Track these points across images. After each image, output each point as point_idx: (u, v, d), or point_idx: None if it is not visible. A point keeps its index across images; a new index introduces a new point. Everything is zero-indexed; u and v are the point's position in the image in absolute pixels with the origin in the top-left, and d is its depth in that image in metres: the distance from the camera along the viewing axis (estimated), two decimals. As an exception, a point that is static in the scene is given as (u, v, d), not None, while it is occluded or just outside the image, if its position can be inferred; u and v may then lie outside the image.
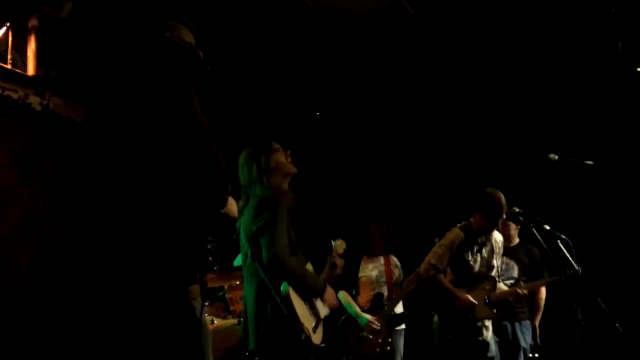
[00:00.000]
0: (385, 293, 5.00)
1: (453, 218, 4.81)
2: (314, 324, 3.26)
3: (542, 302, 5.23)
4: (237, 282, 5.07)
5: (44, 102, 3.77)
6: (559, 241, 4.54)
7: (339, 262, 3.56)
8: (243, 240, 3.29)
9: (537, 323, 5.25)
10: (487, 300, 4.60)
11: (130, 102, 2.58)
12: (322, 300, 3.36)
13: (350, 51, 5.80)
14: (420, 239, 5.37)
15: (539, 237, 4.75)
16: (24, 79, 3.72)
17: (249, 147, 3.42)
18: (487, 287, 4.64)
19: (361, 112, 6.75)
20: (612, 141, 6.03)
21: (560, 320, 5.66)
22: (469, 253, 4.63)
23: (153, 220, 2.42)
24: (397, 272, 5.10)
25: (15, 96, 3.65)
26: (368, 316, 4.85)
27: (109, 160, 2.55)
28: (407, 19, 5.24)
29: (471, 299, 4.53)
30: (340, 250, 3.60)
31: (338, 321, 4.88)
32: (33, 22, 3.80)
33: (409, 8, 5.08)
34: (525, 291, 4.74)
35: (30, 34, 3.80)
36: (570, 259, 4.49)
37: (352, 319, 4.89)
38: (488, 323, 4.67)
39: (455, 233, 4.65)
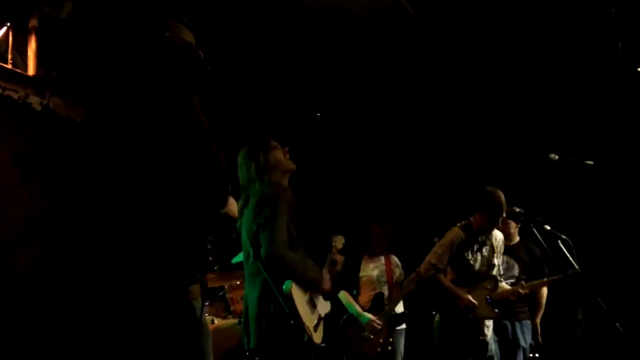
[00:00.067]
0: (386, 293, 4.99)
1: (453, 217, 4.81)
2: (315, 323, 3.26)
3: (543, 301, 5.23)
4: (238, 282, 5.07)
5: (44, 102, 3.78)
6: (559, 241, 4.54)
7: (339, 258, 3.57)
8: (245, 240, 3.29)
9: (538, 321, 5.25)
10: (489, 300, 4.60)
11: (130, 102, 2.58)
12: (321, 288, 3.37)
13: (350, 51, 5.80)
14: (420, 239, 5.37)
15: (540, 237, 4.75)
16: (24, 79, 3.73)
17: (247, 146, 3.43)
18: (489, 287, 4.63)
19: (362, 111, 6.75)
20: (613, 141, 6.03)
21: (561, 320, 5.66)
22: (469, 252, 4.63)
23: (153, 221, 2.42)
24: (397, 272, 5.10)
25: (15, 96, 3.65)
26: (369, 315, 4.85)
27: (108, 161, 2.55)
28: (407, 19, 5.24)
29: (472, 299, 4.53)
30: (339, 246, 3.61)
31: (339, 321, 4.88)
32: (33, 22, 3.80)
33: (409, 8, 5.08)
34: (526, 290, 4.74)
35: (31, 34, 3.80)
36: (571, 258, 4.49)
37: (353, 319, 4.89)
38: (489, 322, 4.67)
39: (455, 232, 4.65)
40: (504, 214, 4.64)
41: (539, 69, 5.92)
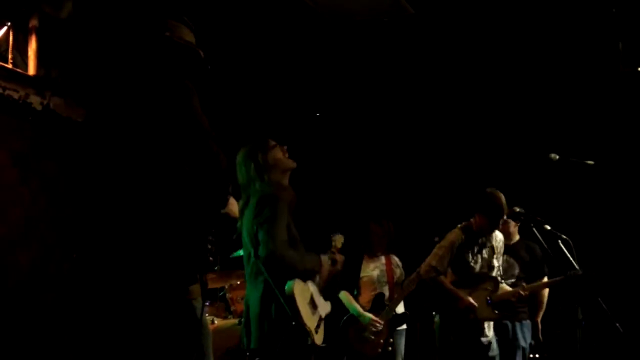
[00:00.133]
0: (387, 293, 4.99)
1: (454, 217, 4.81)
2: (316, 324, 3.26)
3: (545, 299, 5.23)
4: (238, 282, 5.07)
5: (45, 102, 3.78)
6: (559, 241, 4.54)
7: (339, 258, 3.57)
8: (245, 240, 3.29)
9: (539, 319, 5.26)
10: (489, 301, 4.60)
11: (131, 102, 2.58)
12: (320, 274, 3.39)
13: (350, 51, 5.80)
14: (421, 238, 5.37)
15: (540, 237, 4.75)
16: (25, 79, 3.72)
17: (246, 147, 3.43)
18: (489, 288, 4.64)
19: (362, 111, 6.75)
20: (613, 141, 6.03)
21: (561, 320, 5.65)
22: (470, 254, 4.63)
23: (153, 221, 2.42)
24: (398, 272, 5.10)
25: (15, 96, 3.65)
26: (370, 315, 4.85)
27: (109, 161, 2.55)
28: (407, 19, 5.24)
29: (472, 301, 4.53)
30: (339, 245, 3.61)
31: (339, 321, 4.88)
32: (33, 22, 3.80)
33: (409, 8, 5.07)
34: (526, 292, 4.74)
35: (31, 34, 3.80)
36: (571, 259, 4.48)
37: (354, 319, 4.89)
38: (489, 322, 4.67)
39: (455, 234, 4.65)
40: (505, 217, 4.64)
41: (540, 69, 5.92)
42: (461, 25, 5.42)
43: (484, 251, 4.67)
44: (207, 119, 2.51)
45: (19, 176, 3.60)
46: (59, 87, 3.84)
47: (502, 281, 4.81)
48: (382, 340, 4.82)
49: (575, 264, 4.46)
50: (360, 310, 4.90)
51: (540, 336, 5.25)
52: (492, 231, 4.68)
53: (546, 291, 5.23)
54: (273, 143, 3.42)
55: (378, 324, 4.81)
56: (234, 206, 3.19)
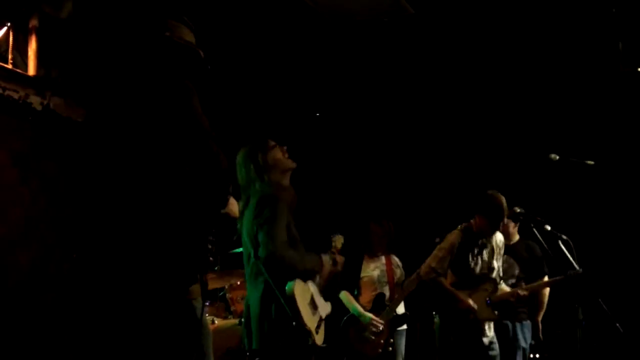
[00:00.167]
0: (387, 293, 4.99)
1: (455, 217, 4.81)
2: (316, 324, 3.26)
3: (545, 299, 5.24)
4: (238, 282, 5.07)
5: (45, 102, 3.77)
6: (560, 241, 4.54)
7: (339, 258, 3.57)
8: (245, 240, 3.29)
9: (539, 319, 5.26)
10: (489, 302, 4.60)
11: (131, 103, 2.58)
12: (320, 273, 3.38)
13: (350, 51, 5.80)
14: (421, 239, 5.37)
15: (540, 237, 4.75)
16: (25, 79, 3.72)
17: (245, 147, 3.43)
18: (489, 289, 4.64)
19: (363, 111, 6.75)
20: (613, 141, 6.03)
21: (561, 320, 5.66)
22: (470, 255, 4.63)
23: (153, 221, 2.42)
24: (398, 272, 5.10)
25: (15, 96, 3.65)
26: (371, 315, 4.85)
27: (109, 161, 2.55)
28: (407, 19, 5.24)
29: (472, 302, 4.53)
30: (339, 245, 3.61)
31: (340, 321, 4.88)
32: (33, 22, 3.80)
33: (409, 8, 5.07)
34: (525, 293, 4.74)
35: (31, 34, 3.80)
36: (571, 259, 4.48)
37: (354, 319, 4.88)
38: (490, 323, 4.67)
39: (455, 235, 4.65)
40: (505, 220, 4.65)
41: (540, 69, 5.92)
42: (461, 25, 5.43)
43: (484, 252, 4.67)
44: (207, 119, 2.51)
45: (19, 176, 3.60)
46: (59, 87, 3.84)
47: (502, 282, 4.82)
48: (382, 341, 4.82)
49: (575, 264, 4.46)
50: (361, 310, 4.89)
51: (540, 336, 5.25)
52: (493, 233, 4.69)
53: (547, 291, 5.23)
54: (273, 143, 3.41)
55: (379, 324, 4.81)
56: (234, 206, 3.20)
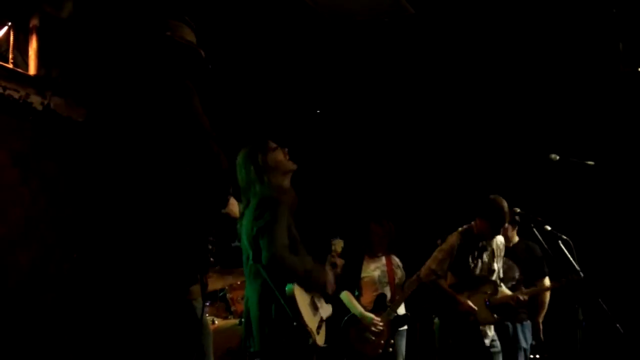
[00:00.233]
0: (388, 294, 4.99)
1: (455, 218, 4.81)
2: (317, 325, 3.25)
3: (546, 300, 5.24)
4: (238, 282, 5.06)
5: (45, 102, 3.77)
6: (560, 242, 4.54)
7: (339, 261, 3.56)
8: (244, 242, 3.28)
9: (540, 320, 5.26)
10: (488, 303, 4.60)
11: (131, 102, 2.57)
12: (326, 289, 3.37)
13: (350, 51, 5.80)
14: (422, 239, 5.37)
15: (540, 238, 4.75)
16: (25, 79, 3.72)
17: (246, 148, 3.41)
18: (488, 291, 4.65)
19: (363, 112, 6.75)
20: (613, 141, 6.03)
21: (562, 321, 5.66)
22: (470, 257, 4.64)
23: (154, 221, 2.42)
24: (399, 273, 5.10)
25: (16, 96, 3.64)
26: (372, 316, 4.85)
27: (109, 161, 2.55)
28: (407, 19, 5.24)
29: (472, 304, 4.53)
30: (339, 249, 3.60)
31: (340, 321, 4.88)
32: (34, 22, 3.79)
33: (410, 8, 5.07)
34: (526, 297, 4.75)
35: (32, 34, 3.79)
36: (572, 259, 4.49)
37: (355, 320, 4.88)
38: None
39: (455, 237, 4.67)
40: (506, 224, 4.67)
41: (540, 70, 5.92)
42: (462, 25, 5.42)
43: (484, 255, 4.68)
44: (208, 119, 2.51)
45: (19, 176, 3.59)
46: (60, 86, 3.83)
47: (502, 284, 4.82)
48: (383, 341, 4.82)
49: (575, 265, 4.46)
50: (362, 310, 4.89)
51: (541, 337, 5.25)
52: (493, 236, 4.70)
53: (548, 292, 5.23)
54: (274, 145, 3.39)
55: (380, 325, 4.81)
56: (234, 206, 3.19)
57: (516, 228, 5.27)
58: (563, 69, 5.86)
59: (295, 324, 3.11)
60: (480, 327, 4.59)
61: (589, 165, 4.68)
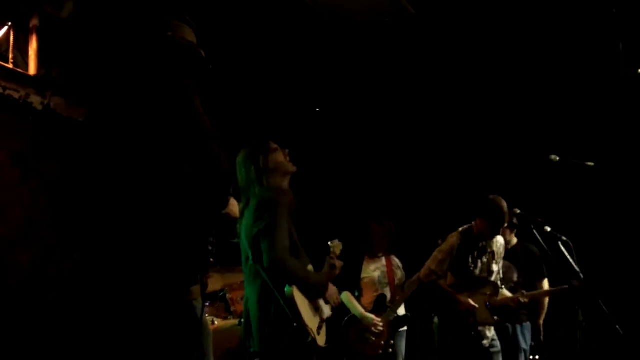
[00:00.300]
0: (388, 294, 4.98)
1: (456, 218, 4.81)
2: (317, 325, 3.25)
3: (546, 302, 5.24)
4: (238, 283, 5.06)
5: (45, 102, 3.77)
6: (560, 243, 4.54)
7: (338, 263, 3.56)
8: (244, 242, 3.28)
9: (540, 322, 5.26)
10: (488, 305, 4.60)
11: (132, 102, 2.57)
12: (325, 297, 3.37)
13: (350, 51, 5.80)
14: (422, 239, 5.37)
15: (540, 239, 4.74)
16: (25, 79, 3.72)
17: (247, 148, 3.40)
18: (488, 293, 4.66)
19: (364, 112, 6.75)
20: (614, 143, 6.03)
21: (561, 322, 5.66)
22: (470, 258, 4.64)
23: (154, 221, 2.42)
24: (399, 273, 5.09)
25: (16, 96, 3.65)
26: (372, 316, 4.85)
27: (110, 161, 2.55)
28: (407, 19, 5.24)
29: (472, 302, 4.54)
30: (338, 252, 3.59)
31: (341, 322, 4.87)
32: (34, 22, 3.80)
33: (410, 8, 5.07)
34: (526, 300, 4.75)
35: (32, 34, 3.80)
36: (572, 261, 4.48)
37: (355, 320, 4.88)
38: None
39: (455, 237, 4.67)
40: (506, 224, 4.67)
41: (540, 71, 5.92)
42: (462, 26, 5.42)
43: (484, 256, 4.69)
44: (208, 119, 2.51)
45: (19, 176, 3.60)
46: (60, 86, 3.84)
47: (502, 287, 4.82)
48: (383, 342, 4.82)
49: (575, 266, 4.46)
50: (362, 311, 4.89)
51: (542, 338, 5.25)
52: (493, 237, 4.71)
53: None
54: (275, 146, 3.38)
55: (380, 326, 4.81)
56: (234, 207, 3.19)
57: (514, 230, 5.27)
58: (563, 70, 5.86)
59: (295, 324, 3.10)
60: (480, 328, 4.58)
61: (589, 166, 4.68)
